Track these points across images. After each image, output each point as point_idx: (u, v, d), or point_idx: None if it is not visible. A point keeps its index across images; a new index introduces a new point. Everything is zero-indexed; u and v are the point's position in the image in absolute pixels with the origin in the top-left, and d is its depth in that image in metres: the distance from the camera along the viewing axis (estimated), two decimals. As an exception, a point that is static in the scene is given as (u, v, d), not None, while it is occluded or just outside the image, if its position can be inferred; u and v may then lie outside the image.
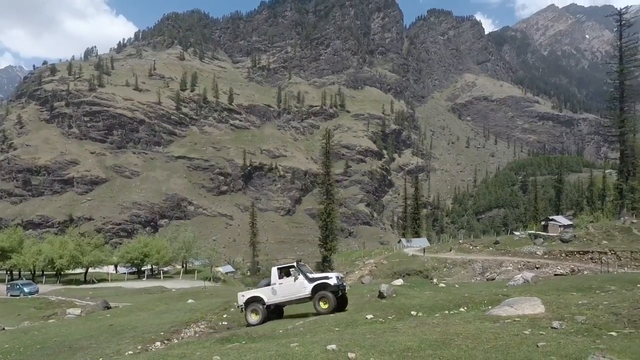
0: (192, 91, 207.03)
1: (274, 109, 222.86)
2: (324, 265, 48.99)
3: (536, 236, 40.55)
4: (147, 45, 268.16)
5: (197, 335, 13.52)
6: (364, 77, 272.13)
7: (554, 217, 45.77)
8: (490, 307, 8.90)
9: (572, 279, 19.28)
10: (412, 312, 10.58)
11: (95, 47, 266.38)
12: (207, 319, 15.23)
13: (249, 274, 65.29)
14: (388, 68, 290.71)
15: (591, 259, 34.19)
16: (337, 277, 14.52)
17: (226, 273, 57.55)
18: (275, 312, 14.95)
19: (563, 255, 35.95)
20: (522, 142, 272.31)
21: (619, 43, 41.29)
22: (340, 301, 13.99)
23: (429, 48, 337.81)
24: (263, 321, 13.98)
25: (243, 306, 14.67)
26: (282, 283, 14.53)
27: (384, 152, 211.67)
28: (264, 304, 14.38)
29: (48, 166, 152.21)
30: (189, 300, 21.79)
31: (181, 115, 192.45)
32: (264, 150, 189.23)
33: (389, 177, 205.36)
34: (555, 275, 32.77)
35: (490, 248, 42.46)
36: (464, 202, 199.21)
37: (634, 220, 36.86)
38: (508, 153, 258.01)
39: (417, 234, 73.61)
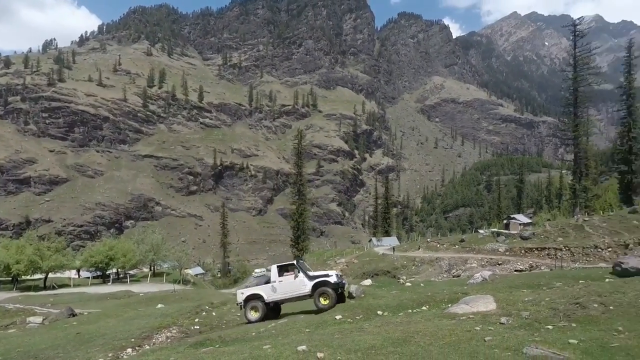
0: (160, 88, 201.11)
1: (246, 107, 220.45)
2: (296, 265, 49.28)
3: (499, 234, 42.68)
4: (112, 39, 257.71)
5: (169, 340, 13.47)
6: (336, 77, 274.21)
7: (515, 215, 48.36)
8: (449, 305, 9.59)
9: (524, 276, 20.62)
10: (379, 312, 11.13)
11: (54, 39, 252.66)
12: (179, 324, 15.17)
13: (219, 275, 64.41)
14: (360, 69, 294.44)
15: (548, 255, 36.42)
16: (337, 275, 14.89)
17: (196, 275, 56.60)
18: (273, 310, 15.11)
19: (523, 251, 38.06)
20: (487, 143, 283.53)
21: (573, 52, 44.01)
22: (339, 298, 14.29)
23: (399, 50, 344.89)
24: (262, 319, 14.04)
25: (242, 304, 14.72)
26: (282, 281, 14.67)
27: (356, 152, 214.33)
28: (263, 301, 14.46)
29: (1, 165, 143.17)
30: (159, 305, 21.46)
31: (148, 113, 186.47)
32: (235, 150, 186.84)
33: (360, 177, 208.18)
34: (516, 271, 34.71)
35: (456, 246, 44.24)
36: (432, 201, 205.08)
37: (586, 218, 39.49)
38: (474, 153, 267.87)
39: (387, 233, 75.25)
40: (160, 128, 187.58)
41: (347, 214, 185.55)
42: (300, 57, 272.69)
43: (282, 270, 15.07)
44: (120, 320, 17.83)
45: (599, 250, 34.05)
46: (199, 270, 66.10)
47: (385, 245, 54.00)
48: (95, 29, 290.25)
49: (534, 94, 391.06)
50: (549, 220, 43.61)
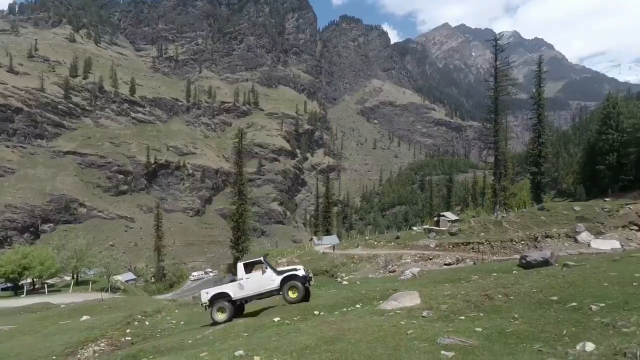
0: (85, 78, 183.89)
1: (183, 103, 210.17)
2: (236, 266, 48.30)
3: (430, 230, 45.73)
4: (27, 21, 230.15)
5: (97, 355, 12.53)
6: (278, 75, 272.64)
7: (444, 213, 52.07)
8: (381, 302, 10.22)
9: (447, 271, 22.41)
10: (315, 312, 11.46)
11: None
12: (108, 336, 14.16)
13: (153, 280, 60.70)
14: (302, 69, 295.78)
15: (472, 249, 39.86)
16: (304, 270, 14.96)
17: (126, 282, 52.81)
18: (239, 307, 14.85)
19: (451, 246, 41.23)
20: (421, 145, 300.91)
21: (494, 64, 48.45)
22: (305, 292, 14.39)
23: (340, 52, 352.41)
24: (230, 319, 13.64)
25: (207, 304, 14.22)
26: (249, 277, 14.49)
27: (297, 151, 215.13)
28: (230, 299, 14.08)
29: None
30: (84, 317, 19.76)
31: (71, 105, 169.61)
32: (170, 147, 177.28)
33: (302, 176, 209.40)
34: (445, 264, 37.52)
35: (392, 243, 46.55)
36: (371, 200, 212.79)
37: (504, 215, 43.72)
38: (409, 154, 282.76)
39: (328, 232, 76.69)
40: (85, 122, 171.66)
41: (288, 213, 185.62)
42: (241, 53, 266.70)
43: (249, 267, 14.93)
44: (39, 336, 16.11)
45: (514, 243, 38.07)
46: (130, 276, 61.72)
47: (326, 243, 55.04)
48: (6, 8, 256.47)
49: (462, 100, 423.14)
50: (473, 217, 47.57)
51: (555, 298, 7.28)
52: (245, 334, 9.54)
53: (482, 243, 39.12)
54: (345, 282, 22.23)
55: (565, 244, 34.94)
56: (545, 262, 15.24)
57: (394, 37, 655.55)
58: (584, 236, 33.98)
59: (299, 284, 14.11)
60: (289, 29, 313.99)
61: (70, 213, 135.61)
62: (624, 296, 6.70)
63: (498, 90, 44.31)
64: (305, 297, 14.48)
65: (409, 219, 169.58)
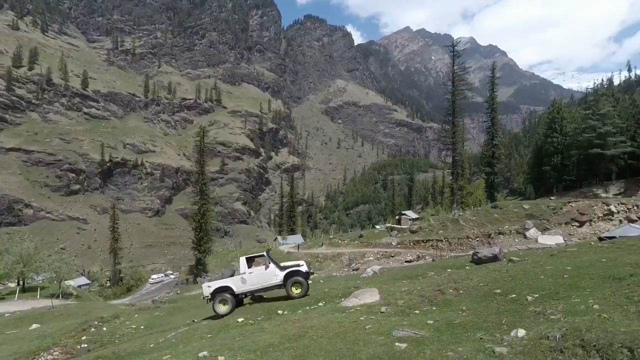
0: (30, 69, 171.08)
1: (140, 98, 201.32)
2: (198, 268, 47.29)
3: (392, 229, 47.08)
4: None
5: (49, 364, 11.94)
6: (241, 73, 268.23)
7: (405, 211, 53.83)
8: (343, 299, 10.58)
9: (407, 268, 23.32)
10: (279, 311, 11.63)
11: None
12: (62, 344, 13.44)
13: (109, 284, 57.72)
14: (266, 67, 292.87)
15: (431, 246, 41.56)
16: (307, 265, 15.16)
17: (80, 287, 49.94)
18: (239, 301, 14.85)
19: (412, 244, 42.74)
20: (384, 145, 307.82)
21: (452, 69, 50.65)
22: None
23: (305, 52, 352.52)
24: (232, 311, 13.69)
25: (209, 297, 14.23)
26: (252, 272, 14.50)
27: (261, 150, 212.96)
28: (232, 293, 14.09)
29: None
30: (33, 325, 18.54)
31: (14, 98, 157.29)
32: (127, 145, 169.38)
33: (266, 175, 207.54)
34: (406, 261, 38.83)
35: (356, 241, 47.48)
36: (335, 199, 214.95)
37: (461, 213, 45.88)
38: (372, 154, 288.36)
39: (292, 231, 76.75)
40: (31, 117, 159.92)
41: (252, 213, 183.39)
42: (203, 49, 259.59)
43: (251, 261, 15.04)
44: (-20, 348, 15.01)
45: (470, 240, 40.14)
46: (83, 280, 58.30)
47: (291, 243, 55.16)
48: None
49: (423, 102, 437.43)
50: (433, 215, 49.52)
51: (498, 291, 7.95)
52: (209, 336, 9.53)
53: (441, 240, 40.93)
54: (309, 281, 22.53)
55: (516, 240, 37.37)
56: (494, 258, 16.26)
57: (357, 39, 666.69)
58: (532, 232, 36.52)
59: (303, 280, 14.33)
60: (252, 26, 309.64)
61: (14, 215, 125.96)
62: (555, 287, 7.45)
63: (455, 94, 46.42)
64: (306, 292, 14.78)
65: (372, 217, 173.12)
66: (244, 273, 14.57)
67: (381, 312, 7.84)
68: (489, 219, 41.36)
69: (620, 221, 36.70)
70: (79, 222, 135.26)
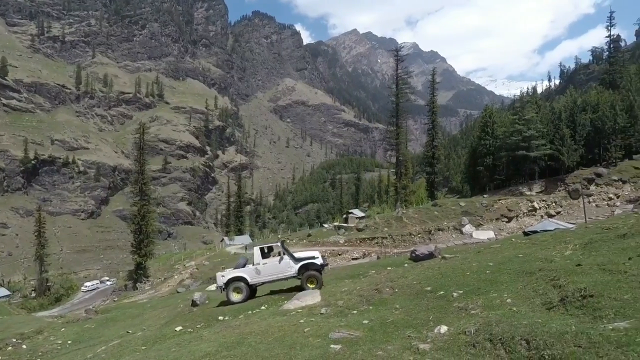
0: None
1: (71, 91, 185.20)
2: (138, 272, 44.66)
3: (339, 227, 47.85)
4: None
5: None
6: (185, 67, 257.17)
7: (352, 210, 55.09)
8: (285, 302, 10.57)
9: (351, 267, 23.86)
10: (220, 317, 11.33)
11: None
12: (-29, 366, 11.96)
13: (34, 295, 52.13)
14: (212, 62, 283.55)
15: (377, 243, 42.90)
16: (322, 257, 14.93)
17: (-2, 298, 44.67)
18: (253, 291, 14.83)
19: (358, 241, 43.76)
20: (332, 145, 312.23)
21: (395, 73, 52.63)
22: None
23: (253, 48, 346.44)
24: (245, 299, 13.70)
25: (223, 286, 14.26)
26: (266, 263, 14.37)
27: (207, 148, 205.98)
28: (247, 283, 14.12)
29: None
30: None
31: None
32: (56, 141, 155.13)
33: (212, 175, 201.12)
34: (353, 259, 39.74)
35: (304, 240, 47.57)
36: (284, 198, 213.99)
37: (404, 211, 47.84)
38: (321, 153, 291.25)
39: (240, 232, 75.18)
40: None
41: (198, 213, 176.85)
42: (143, 40, 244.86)
43: (265, 252, 14.90)
44: None
45: (412, 236, 42.07)
46: (3, 292, 52.06)
47: (238, 244, 53.97)
48: None
49: (369, 103, 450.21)
50: (378, 213, 51.16)
51: (429, 288, 8.43)
52: (143, 348, 9.01)
53: (386, 237, 42.41)
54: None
55: (453, 236, 39.85)
56: (430, 255, 17.10)
57: (306, 38, 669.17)
58: (468, 228, 39.18)
59: (318, 274, 14.10)
60: (197, 19, 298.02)
61: None
62: (477, 283, 8.07)
63: (399, 96, 48.33)
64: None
65: (321, 216, 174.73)
66: (258, 264, 14.41)
67: (321, 314, 7.94)
68: (429, 216, 43.64)
69: (542, 216, 40.65)
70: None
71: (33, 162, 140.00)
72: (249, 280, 14.34)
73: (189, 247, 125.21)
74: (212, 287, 20.15)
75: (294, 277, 14.45)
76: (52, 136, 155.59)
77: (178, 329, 10.63)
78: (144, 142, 43.78)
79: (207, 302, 14.67)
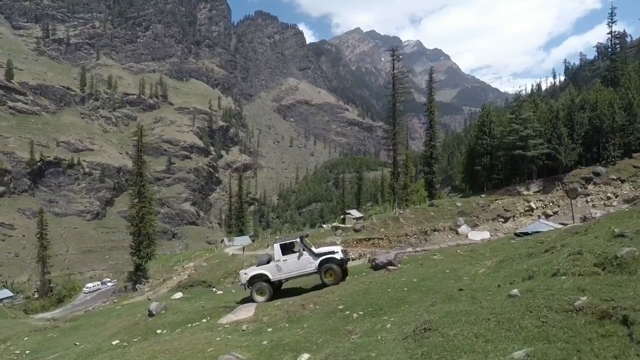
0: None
1: (76, 93, 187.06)
2: (137, 274, 45.16)
3: (336, 228, 48.01)
4: None
5: None
6: (189, 68, 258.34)
7: (350, 211, 55.25)
8: (228, 314, 10.53)
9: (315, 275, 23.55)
10: (158, 331, 11.28)
11: None
12: None
13: (36, 296, 52.86)
14: (215, 62, 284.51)
15: (373, 244, 42.95)
16: (342, 251, 14.90)
17: (1, 300, 45.33)
18: (277, 287, 14.96)
19: (355, 242, 43.79)
20: (336, 144, 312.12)
21: (392, 73, 52.61)
22: (343, 274, 14.42)
23: (256, 48, 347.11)
24: (270, 299, 13.69)
25: (247, 284, 14.43)
26: (286, 259, 14.41)
27: (211, 148, 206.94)
28: (268, 280, 14.11)
29: None
30: None
31: None
32: (62, 142, 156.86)
33: (216, 175, 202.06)
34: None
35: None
36: (287, 198, 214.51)
37: (401, 211, 47.84)
38: (324, 153, 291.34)
39: (241, 232, 75.58)
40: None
41: (202, 213, 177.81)
42: (147, 41, 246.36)
43: (285, 249, 14.87)
44: None
45: (408, 237, 42.07)
46: (6, 293, 52.90)
47: (237, 245, 54.36)
48: None
49: (373, 101, 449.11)
50: (375, 214, 51.24)
51: (341, 307, 8.31)
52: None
53: (382, 238, 42.43)
54: (220, 292, 21.30)
55: (449, 236, 39.81)
56: (389, 264, 16.53)
57: (309, 37, 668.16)
58: (463, 229, 39.13)
59: (336, 267, 14.07)
60: (200, 20, 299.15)
61: None
62: (387, 302, 7.94)
63: (395, 97, 48.33)
64: (343, 278, 14.47)
65: (324, 215, 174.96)
66: (279, 260, 14.44)
67: (242, 331, 7.99)
68: (426, 216, 43.62)
69: (539, 216, 40.49)
70: (3, 227, 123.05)
71: (39, 163, 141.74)
72: (270, 277, 14.34)
73: (194, 247, 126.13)
74: (177, 295, 20.05)
75: (314, 272, 14.40)
76: (58, 138, 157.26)
77: (115, 342, 10.59)
78: (142, 145, 44.21)
79: (163, 312, 14.21)
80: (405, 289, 8.62)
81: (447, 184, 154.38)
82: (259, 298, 14.03)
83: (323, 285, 14.07)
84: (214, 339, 7.29)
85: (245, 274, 14.88)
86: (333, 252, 14.64)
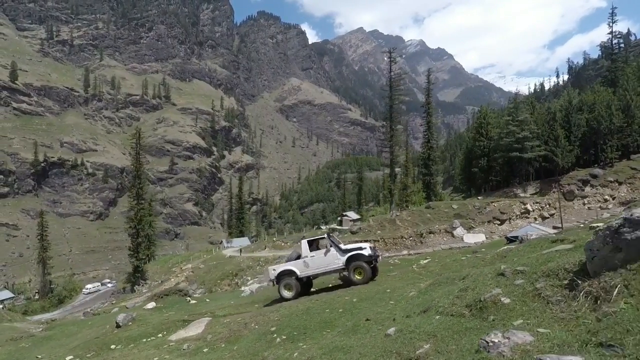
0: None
1: (80, 94, 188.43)
2: (136, 276, 45.57)
3: (333, 230, 48.16)
4: None
5: None
6: (192, 69, 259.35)
7: (347, 212, 55.33)
8: (179, 329, 10.52)
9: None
10: (112, 346, 11.15)
11: None
12: None
13: (37, 297, 53.36)
14: (218, 63, 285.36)
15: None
16: (371, 248, 14.49)
17: (2, 301, 45.79)
18: (306, 284, 14.86)
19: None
20: (338, 144, 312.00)
21: (389, 74, 52.60)
22: (373, 271, 14.10)
23: (259, 49, 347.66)
24: (297, 295, 13.69)
25: (275, 280, 14.40)
26: (313, 256, 14.28)
27: (214, 149, 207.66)
28: (296, 277, 14.03)
29: None
30: None
31: None
32: (65, 143, 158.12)
33: (219, 175, 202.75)
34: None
35: (299, 243, 48.09)
36: (289, 198, 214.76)
37: (398, 213, 47.85)
38: (327, 153, 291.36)
39: (242, 233, 75.86)
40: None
41: (204, 213, 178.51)
42: (150, 42, 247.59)
43: (313, 245, 14.79)
44: None
45: (404, 239, 42.04)
46: (7, 294, 53.37)
47: (236, 246, 54.63)
48: None
49: (376, 101, 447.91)
50: (373, 216, 51.27)
51: (273, 329, 8.23)
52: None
53: (378, 240, 42.38)
54: (193, 302, 20.88)
55: (445, 239, 39.75)
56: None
57: (312, 37, 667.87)
58: (459, 231, 39.08)
59: (365, 265, 13.67)
60: (203, 21, 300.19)
61: None
62: (313, 325, 7.81)
63: (392, 99, 48.36)
64: (373, 276, 14.24)
65: (326, 215, 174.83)
66: (306, 256, 14.36)
67: (182, 349, 8.05)
68: (422, 219, 43.57)
69: (535, 219, 40.37)
70: (8, 228, 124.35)
71: (43, 164, 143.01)
72: (298, 273, 14.20)
73: (196, 248, 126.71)
74: (150, 305, 19.61)
75: (341, 269, 14.15)
76: (61, 139, 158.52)
77: (68, 358, 10.62)
78: (145, 145, 44.61)
79: (130, 323, 13.98)
80: (340, 310, 8.63)
81: (449, 184, 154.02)
82: (287, 294, 13.97)
83: (351, 283, 13.76)
84: (153, 358, 7.40)
85: (274, 270, 14.82)
86: (361, 249, 14.23)
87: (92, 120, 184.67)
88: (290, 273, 14.34)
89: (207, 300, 20.23)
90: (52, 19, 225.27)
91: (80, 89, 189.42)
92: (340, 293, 10.74)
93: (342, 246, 14.69)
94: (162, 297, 20.04)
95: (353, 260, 13.91)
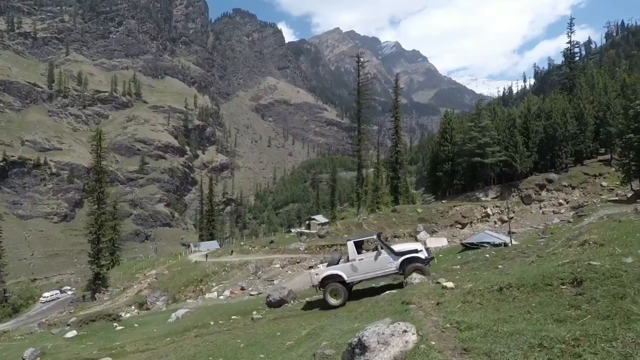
0: None
1: (43, 89, 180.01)
2: (96, 283, 44.04)
3: (301, 234, 48.18)
4: None
5: None
6: (164, 65, 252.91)
7: (315, 216, 55.54)
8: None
9: (216, 307, 22.56)
10: None
11: None
12: None
13: (-10, 306, 50.60)
14: (192, 60, 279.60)
15: (336, 250, 43.33)
16: (426, 249, 13.69)
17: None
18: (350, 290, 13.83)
19: (318, 249, 43.93)
20: (314, 144, 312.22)
21: (357, 79, 53.18)
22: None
23: (234, 46, 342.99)
24: (344, 303, 12.51)
25: (318, 285, 13.21)
26: (362, 259, 13.17)
27: (187, 148, 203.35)
28: (343, 282, 12.88)
29: None
30: None
31: None
32: (27, 142, 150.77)
33: (192, 175, 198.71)
34: (310, 267, 40.11)
35: (266, 247, 47.58)
36: (264, 198, 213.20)
37: (365, 217, 48.40)
38: (303, 153, 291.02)
39: (212, 236, 74.63)
40: None
41: (177, 214, 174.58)
42: (120, 37, 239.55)
43: (360, 246, 13.77)
44: None
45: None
46: (-43, 303, 50.27)
47: (203, 250, 53.74)
48: None
49: (352, 102, 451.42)
50: (342, 219, 51.63)
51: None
52: None
53: (345, 244, 42.94)
54: (119, 328, 19.21)
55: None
56: (282, 302, 16.11)
57: (288, 37, 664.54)
58: (422, 235, 39.90)
59: (425, 268, 12.69)
60: (177, 17, 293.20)
61: None
62: (238, 352, 7.72)
63: (360, 104, 48.86)
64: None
65: (301, 216, 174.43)
66: (354, 260, 13.18)
67: None
68: (388, 222, 44.29)
69: (495, 222, 41.82)
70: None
71: (2, 163, 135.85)
72: (345, 278, 13.03)
73: (168, 250, 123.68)
74: (71, 333, 18.01)
75: (394, 273, 13.18)
76: (23, 137, 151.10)
77: None
78: (102, 150, 43.00)
79: (38, 359, 12.90)
80: (220, 358, 8.42)
81: (422, 184, 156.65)
82: (333, 301, 12.79)
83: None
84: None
85: (317, 274, 13.52)
86: (416, 251, 13.19)
87: (56, 118, 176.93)
88: (336, 277, 13.06)
89: (136, 325, 19.39)
90: (13, 9, 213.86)
91: (43, 85, 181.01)
92: (231, 335, 9.99)
93: (395, 247, 13.60)
94: (87, 323, 18.97)
95: (409, 262, 12.85)
